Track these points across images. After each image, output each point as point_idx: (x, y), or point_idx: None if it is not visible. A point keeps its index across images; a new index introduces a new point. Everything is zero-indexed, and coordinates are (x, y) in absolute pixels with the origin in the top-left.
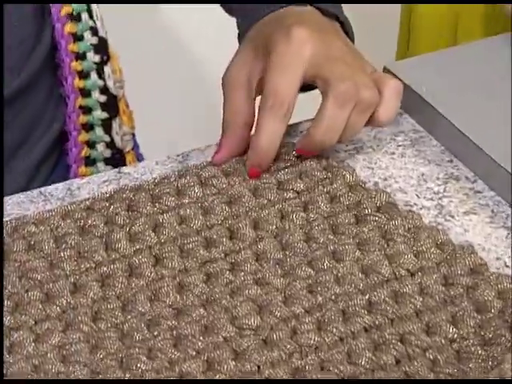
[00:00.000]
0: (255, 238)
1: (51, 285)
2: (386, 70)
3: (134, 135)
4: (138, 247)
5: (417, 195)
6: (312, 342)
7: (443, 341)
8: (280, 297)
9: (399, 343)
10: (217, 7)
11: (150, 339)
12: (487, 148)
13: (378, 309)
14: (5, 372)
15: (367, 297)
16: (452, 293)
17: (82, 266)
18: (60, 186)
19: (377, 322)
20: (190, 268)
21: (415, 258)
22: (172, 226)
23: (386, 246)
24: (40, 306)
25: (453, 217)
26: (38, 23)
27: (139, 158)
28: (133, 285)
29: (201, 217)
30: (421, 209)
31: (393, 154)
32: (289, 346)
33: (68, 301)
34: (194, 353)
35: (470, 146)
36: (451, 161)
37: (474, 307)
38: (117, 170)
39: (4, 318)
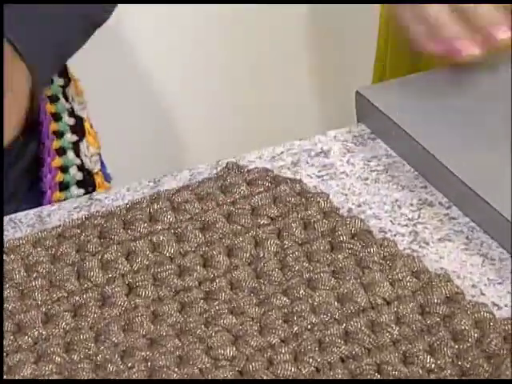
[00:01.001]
0: (229, 265)
1: (22, 315)
2: (358, 95)
3: (99, 155)
4: (110, 276)
5: (391, 221)
6: (288, 372)
7: (420, 371)
8: (256, 326)
9: (376, 373)
10: (182, 31)
11: (124, 371)
12: (461, 174)
13: (355, 338)
14: None
15: (343, 326)
16: (429, 322)
17: (54, 296)
18: (30, 212)
19: (353, 352)
20: (163, 297)
21: (391, 286)
22: (145, 253)
23: (361, 274)
24: (11, 337)
25: (427, 244)
26: None
27: (107, 177)
28: (106, 314)
29: (174, 244)
30: (395, 235)
31: (366, 179)
32: (265, 377)
33: (40, 331)
34: None
35: (444, 171)
36: (425, 186)
37: (450, 336)
38: (87, 196)
39: None
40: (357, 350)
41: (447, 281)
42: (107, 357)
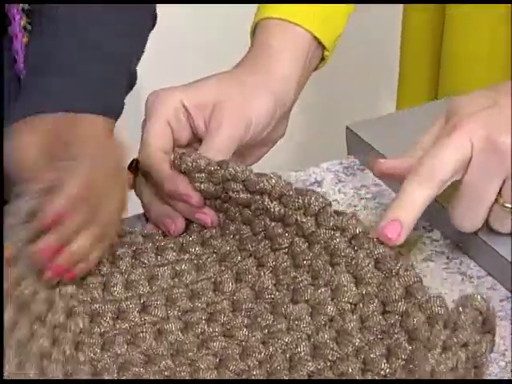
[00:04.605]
0: (235, 289)
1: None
2: (348, 130)
3: None
4: (129, 294)
5: None
6: None
7: (376, 377)
8: (238, 349)
9: None
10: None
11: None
12: (441, 198)
13: (321, 354)
14: None
15: (312, 341)
16: (388, 321)
17: (80, 297)
18: None
19: (319, 367)
20: (170, 316)
21: (356, 287)
22: (165, 279)
23: (331, 275)
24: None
25: (412, 264)
26: None
27: None
28: (117, 326)
29: (193, 272)
30: None
31: (356, 206)
32: None
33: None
34: None
35: None
36: None
37: (406, 336)
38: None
39: None
40: (322, 364)
41: (406, 270)
42: (106, 366)
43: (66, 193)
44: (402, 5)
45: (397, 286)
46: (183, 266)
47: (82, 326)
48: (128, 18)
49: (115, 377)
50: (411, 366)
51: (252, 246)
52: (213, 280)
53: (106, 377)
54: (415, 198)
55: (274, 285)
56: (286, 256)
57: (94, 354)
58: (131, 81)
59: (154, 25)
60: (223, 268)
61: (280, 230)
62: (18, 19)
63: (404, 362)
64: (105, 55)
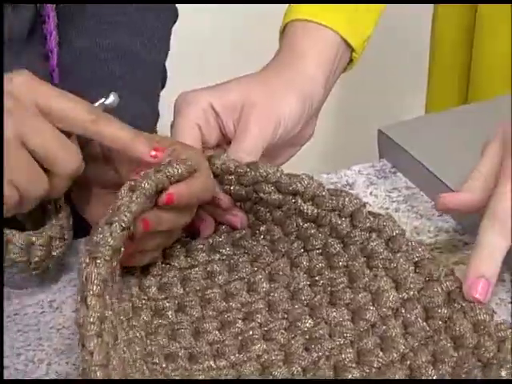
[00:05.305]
0: (269, 289)
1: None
2: (380, 133)
3: None
4: (164, 296)
5: None
6: None
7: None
8: (280, 355)
9: None
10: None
11: (167, 369)
12: None
13: (366, 360)
14: None
15: (356, 347)
16: (432, 327)
17: (119, 296)
18: None
19: (364, 374)
20: (207, 316)
21: (396, 291)
22: (198, 280)
23: (370, 280)
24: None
25: (451, 269)
26: None
27: None
28: (155, 322)
29: (225, 273)
30: None
31: (387, 209)
32: None
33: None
34: None
35: None
36: (441, 215)
37: (452, 343)
38: None
39: None
40: (367, 370)
41: (446, 275)
42: (153, 350)
43: (191, 185)
44: (432, 5)
45: (439, 291)
46: (215, 267)
47: (127, 312)
48: (154, 16)
49: (163, 365)
50: (459, 372)
51: (284, 247)
52: (246, 280)
53: (156, 361)
54: (495, 249)
55: (310, 286)
56: (321, 257)
57: (140, 336)
58: (164, 80)
59: (175, 21)
60: (256, 268)
61: (313, 231)
62: (53, 17)
63: (451, 370)
64: (141, 61)
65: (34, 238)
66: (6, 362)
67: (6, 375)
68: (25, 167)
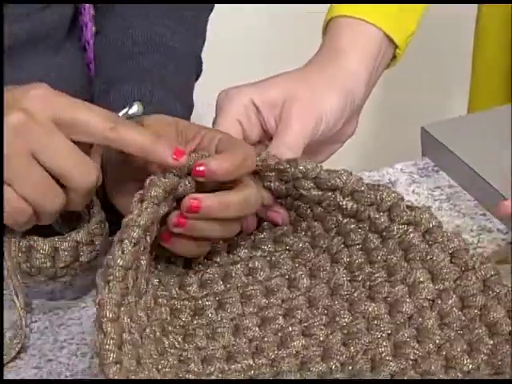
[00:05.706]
0: (310, 285)
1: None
2: (423, 131)
3: None
4: (205, 293)
5: None
6: None
7: (459, 374)
8: (319, 351)
9: None
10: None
11: (202, 375)
12: None
13: (402, 353)
14: None
15: (392, 340)
16: (468, 316)
17: (159, 293)
18: None
19: (402, 366)
20: (247, 313)
21: (432, 283)
22: (239, 276)
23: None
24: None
25: (487, 257)
26: None
27: None
28: (195, 322)
29: (267, 269)
30: None
31: (430, 207)
32: None
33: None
34: None
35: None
36: (484, 214)
37: (487, 331)
38: None
39: None
40: (404, 363)
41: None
42: (189, 356)
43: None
44: (476, 4)
45: (474, 279)
46: (256, 263)
47: (164, 317)
48: (190, 7)
49: (200, 369)
50: (494, 360)
51: (325, 243)
52: (287, 276)
53: (193, 368)
54: None
55: (349, 281)
56: (361, 252)
57: (177, 342)
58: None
59: (212, 9)
60: (297, 264)
61: (353, 226)
62: (88, 8)
63: (487, 357)
64: (177, 56)
65: (58, 244)
66: (49, 355)
67: (49, 368)
68: (38, 183)
